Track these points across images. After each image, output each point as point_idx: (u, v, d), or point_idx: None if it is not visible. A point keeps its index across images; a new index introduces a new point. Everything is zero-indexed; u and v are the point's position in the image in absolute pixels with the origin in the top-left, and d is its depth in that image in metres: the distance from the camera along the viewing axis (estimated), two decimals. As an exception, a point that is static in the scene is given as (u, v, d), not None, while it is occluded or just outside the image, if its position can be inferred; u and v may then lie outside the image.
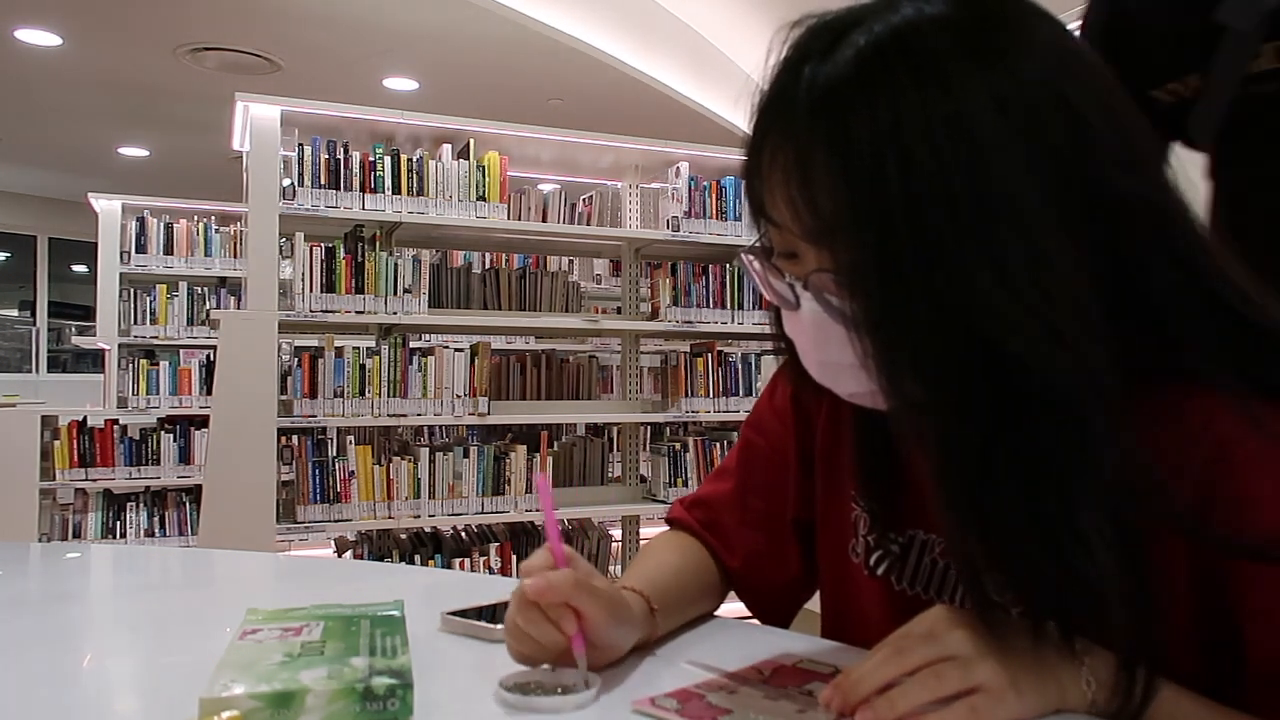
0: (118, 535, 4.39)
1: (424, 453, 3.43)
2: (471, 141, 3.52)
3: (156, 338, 5.10)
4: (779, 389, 0.89)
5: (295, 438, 3.35)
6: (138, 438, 4.32)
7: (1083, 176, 0.55)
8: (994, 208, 0.52)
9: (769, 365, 3.32)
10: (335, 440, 3.45)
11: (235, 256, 5.31)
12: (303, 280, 3.28)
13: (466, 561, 3.57)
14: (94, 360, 8.14)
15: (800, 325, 0.63)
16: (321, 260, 3.32)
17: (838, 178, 0.55)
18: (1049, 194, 0.54)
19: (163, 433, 4.36)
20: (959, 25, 0.56)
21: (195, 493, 4.32)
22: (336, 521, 3.32)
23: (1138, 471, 0.54)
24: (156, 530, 4.44)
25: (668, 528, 0.92)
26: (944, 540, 0.71)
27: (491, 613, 0.79)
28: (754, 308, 3.76)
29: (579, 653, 0.62)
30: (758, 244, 0.66)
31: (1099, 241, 0.55)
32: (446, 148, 3.57)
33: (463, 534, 3.73)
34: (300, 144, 3.34)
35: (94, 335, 5.25)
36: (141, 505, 4.43)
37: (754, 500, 0.86)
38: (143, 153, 7.60)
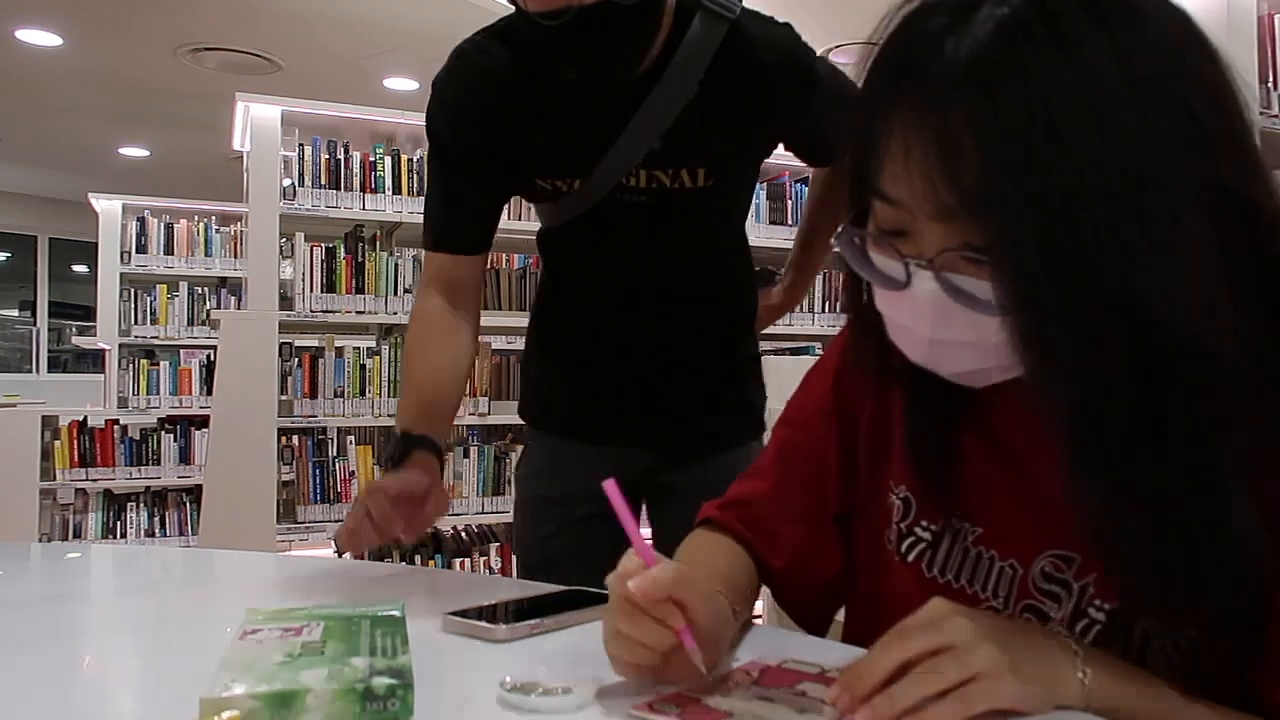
0: (118, 535, 4.38)
1: (424, 453, 3.42)
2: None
3: (157, 338, 5.10)
4: (814, 385, 0.88)
5: (296, 438, 3.36)
6: (138, 438, 4.32)
7: (1212, 148, 0.55)
8: (1142, 181, 0.52)
9: (770, 362, 3.31)
10: (336, 440, 3.45)
11: (236, 256, 5.31)
12: (303, 280, 3.28)
13: (467, 562, 3.57)
14: (94, 360, 8.14)
15: (911, 304, 0.61)
16: (322, 260, 3.32)
17: (988, 153, 0.54)
18: (1187, 168, 0.53)
19: (163, 433, 4.36)
20: None
21: (196, 493, 4.32)
22: (337, 521, 3.32)
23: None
24: (157, 530, 4.44)
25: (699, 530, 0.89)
26: (988, 528, 0.71)
27: (492, 613, 0.79)
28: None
29: (690, 646, 0.60)
30: (854, 220, 0.64)
31: (1223, 216, 0.55)
32: (447, 148, 3.57)
33: (463, 534, 3.73)
34: (300, 144, 3.34)
35: (94, 335, 5.25)
36: (142, 505, 4.43)
37: (795, 497, 0.84)
38: (143, 153, 7.61)
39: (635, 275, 1.31)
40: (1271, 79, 2.30)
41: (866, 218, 0.64)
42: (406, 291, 3.41)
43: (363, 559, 1.17)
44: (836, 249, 0.65)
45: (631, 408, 1.36)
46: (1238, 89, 0.58)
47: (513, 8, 1.09)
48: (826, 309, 3.94)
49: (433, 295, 1.27)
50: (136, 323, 5.07)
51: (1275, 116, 2.29)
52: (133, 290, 5.11)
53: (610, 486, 0.62)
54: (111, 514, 4.39)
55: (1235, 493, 0.54)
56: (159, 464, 4.34)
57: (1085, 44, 0.53)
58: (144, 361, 4.74)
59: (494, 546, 3.63)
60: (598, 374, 1.37)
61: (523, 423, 1.49)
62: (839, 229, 0.65)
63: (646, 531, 1.13)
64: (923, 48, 0.57)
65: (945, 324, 0.59)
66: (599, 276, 1.34)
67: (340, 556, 0.99)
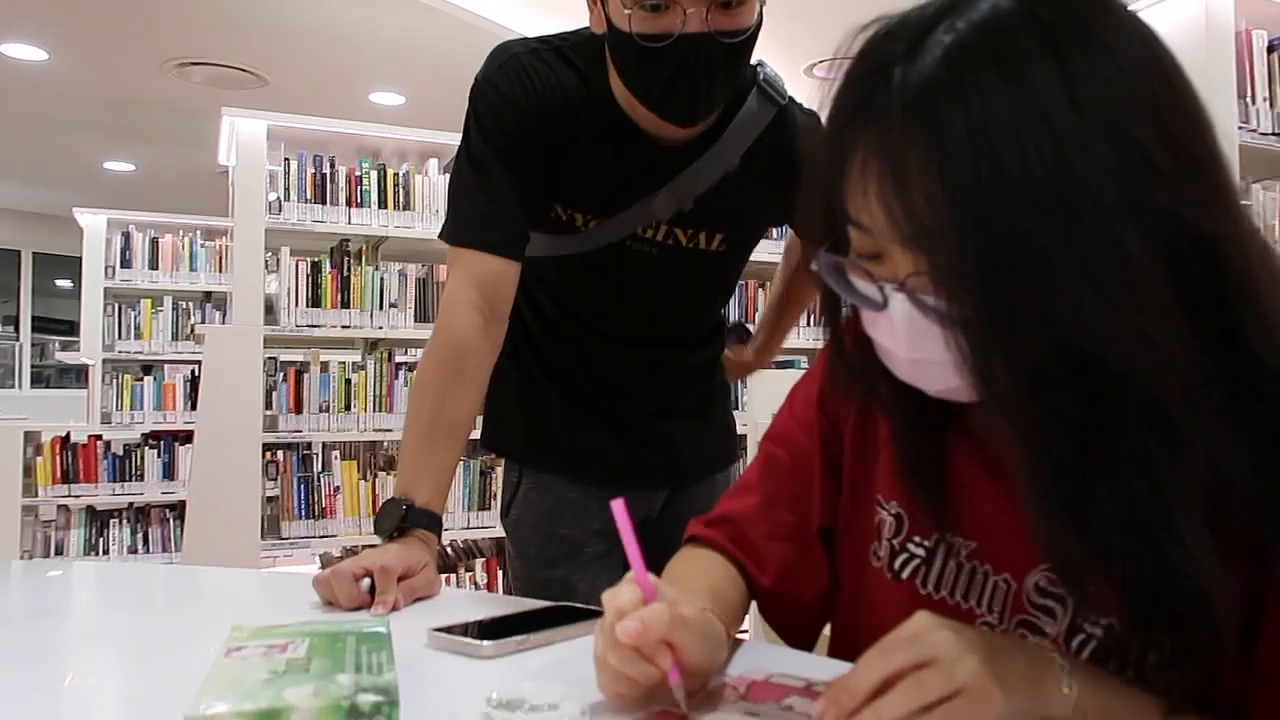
0: (100, 552, 4.34)
1: (410, 468, 3.41)
2: (458, 156, 3.52)
3: (141, 353, 5.07)
4: (799, 399, 0.88)
5: (280, 453, 3.34)
6: (121, 453, 4.29)
7: (1162, 179, 0.55)
8: (1078, 207, 0.53)
9: (756, 379, 3.32)
10: (320, 455, 3.43)
11: (221, 271, 5.29)
12: (288, 294, 3.27)
13: (452, 577, 3.55)
14: (78, 375, 8.09)
15: (889, 325, 0.62)
16: (307, 274, 3.31)
17: (934, 181, 0.55)
18: (1129, 195, 0.54)
19: (147, 448, 4.33)
20: (1042, 22, 0.56)
21: (179, 509, 4.29)
22: (321, 537, 3.31)
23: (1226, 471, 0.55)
24: (140, 547, 4.40)
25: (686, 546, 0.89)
26: (981, 542, 0.71)
27: (478, 629, 0.79)
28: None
29: (676, 684, 0.61)
30: (830, 247, 0.65)
31: (1176, 247, 0.55)
32: (433, 162, 3.58)
33: (448, 549, 3.71)
34: (287, 158, 3.34)
35: (78, 350, 5.21)
36: (125, 522, 4.39)
37: (781, 513, 0.85)
38: (129, 167, 7.58)
39: (627, 317, 1.32)
40: (1250, 93, 2.33)
41: (845, 243, 0.64)
42: (392, 306, 3.41)
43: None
44: (815, 269, 0.65)
45: (635, 447, 1.35)
46: (1202, 117, 0.58)
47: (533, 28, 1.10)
48: (812, 323, 3.96)
49: (468, 309, 1.14)
50: (120, 338, 5.04)
51: (1254, 131, 2.32)
52: (117, 305, 5.08)
53: (618, 506, 0.62)
54: (94, 531, 4.35)
55: (1187, 518, 0.54)
56: (142, 480, 4.31)
57: (1031, 70, 0.54)
58: (127, 376, 4.72)
59: (479, 562, 3.62)
60: (596, 413, 1.35)
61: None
62: (818, 256, 0.65)
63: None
64: (877, 76, 0.58)
65: (921, 343, 0.60)
66: (586, 314, 1.33)
67: (324, 568, 0.98)
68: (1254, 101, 2.33)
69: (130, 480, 4.30)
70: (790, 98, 1.23)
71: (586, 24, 1.17)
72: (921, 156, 0.55)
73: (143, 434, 4.40)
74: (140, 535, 4.41)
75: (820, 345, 0.77)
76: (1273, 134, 2.35)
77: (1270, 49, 2.38)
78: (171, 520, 4.43)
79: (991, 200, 0.53)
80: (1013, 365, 0.55)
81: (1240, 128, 2.30)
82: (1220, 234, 0.56)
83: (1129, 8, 0.59)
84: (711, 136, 1.18)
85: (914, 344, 0.61)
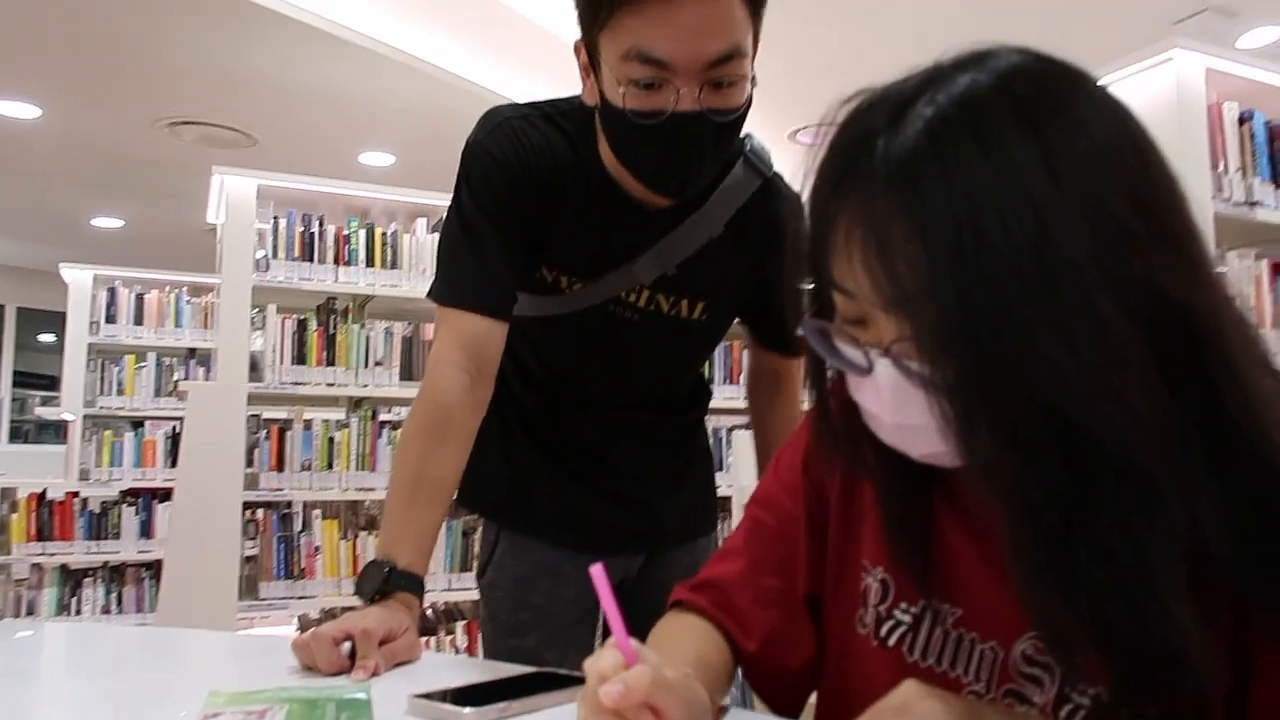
0: (73, 612, 4.26)
1: (392, 527, 3.37)
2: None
3: (122, 409, 5.04)
4: (784, 464, 0.88)
5: (260, 511, 3.30)
6: (98, 510, 4.23)
7: (1137, 248, 0.56)
8: (1057, 276, 0.54)
9: (741, 439, 3.33)
10: (301, 514, 3.40)
11: (206, 327, 5.29)
12: (274, 352, 3.27)
13: (433, 641, 3.49)
14: (57, 431, 7.99)
15: (875, 390, 0.63)
16: (293, 332, 3.31)
17: (918, 249, 0.56)
18: (1106, 263, 0.55)
19: (124, 506, 4.27)
20: (1018, 98, 0.57)
21: (155, 568, 4.22)
22: (300, 598, 3.25)
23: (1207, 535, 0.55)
24: (113, 607, 4.31)
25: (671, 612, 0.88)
26: (968, 609, 0.71)
27: (459, 695, 0.77)
28: (724, 381, 3.77)
29: None
30: (816, 312, 0.66)
31: (1153, 313, 0.56)
32: (421, 221, 3.61)
33: (429, 612, 3.66)
34: (275, 216, 3.37)
35: (59, 405, 5.17)
36: (99, 581, 4.31)
37: (767, 579, 0.84)
38: (117, 223, 7.60)
39: (607, 380, 1.33)
40: (1223, 164, 2.39)
41: (830, 308, 0.65)
42: (377, 364, 3.41)
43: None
44: (801, 333, 0.66)
45: (614, 510, 1.35)
46: (1175, 188, 0.60)
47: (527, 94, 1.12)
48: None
49: (454, 369, 1.14)
50: (102, 393, 5.00)
51: (1227, 200, 2.38)
52: (100, 360, 5.06)
53: (597, 572, 0.62)
54: (67, 590, 4.27)
55: (1170, 583, 0.55)
56: (119, 538, 4.25)
57: (1009, 144, 0.55)
58: (108, 433, 4.67)
59: (461, 625, 3.56)
60: (576, 474, 1.35)
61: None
62: (803, 321, 0.66)
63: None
64: (860, 146, 0.60)
65: (906, 408, 0.61)
66: (568, 374, 1.33)
67: (303, 632, 0.96)
68: (1227, 172, 2.39)
69: (106, 538, 4.23)
70: (776, 172, 1.25)
71: (574, 89, 1.20)
72: (904, 225, 0.56)
73: (121, 491, 4.35)
74: (114, 595, 4.33)
75: (805, 409, 0.77)
76: (1245, 203, 2.40)
77: (1241, 121, 2.45)
78: (147, 580, 4.35)
79: (973, 268, 0.54)
80: (996, 430, 0.56)
81: (1214, 197, 2.35)
82: (1195, 301, 0.57)
83: (1101, 83, 0.61)
84: (697, 202, 1.20)
85: (899, 409, 0.62)
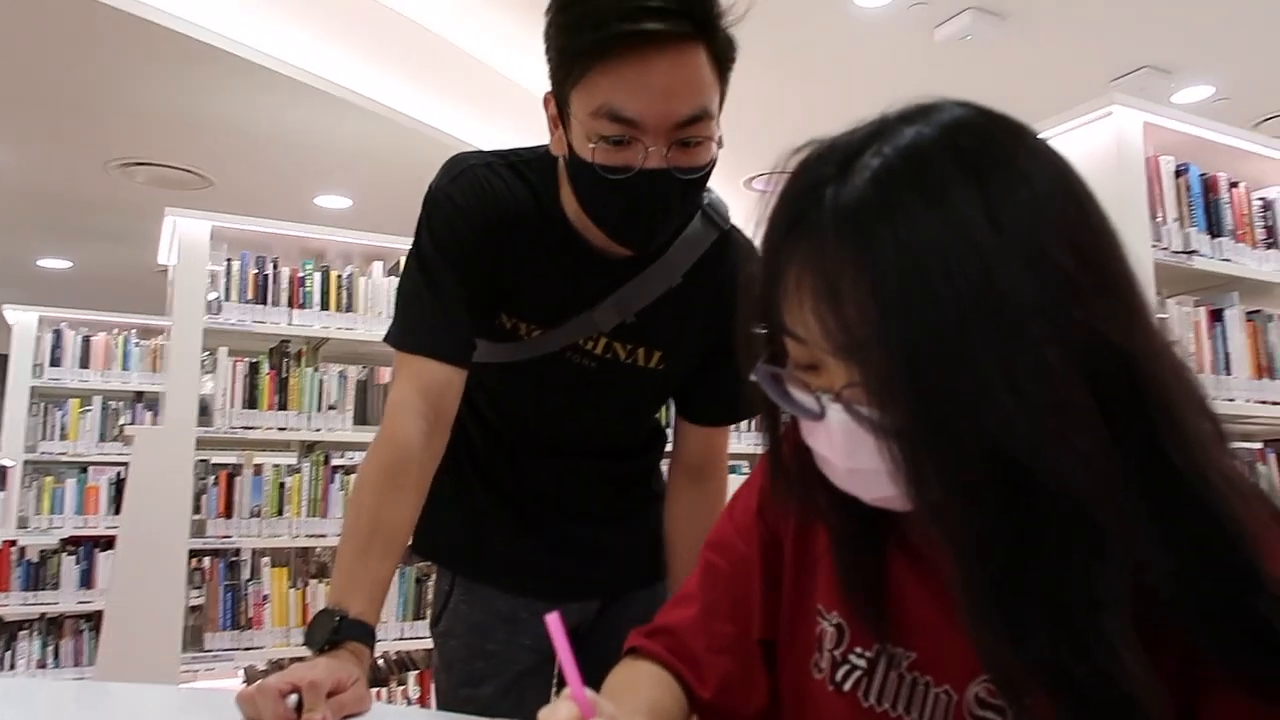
0: (6, 666, 4.09)
1: (344, 575, 3.30)
2: (403, 259, 3.53)
3: (65, 454, 4.90)
4: (739, 507, 0.88)
5: (207, 559, 3.22)
6: (37, 560, 4.09)
7: (1078, 295, 0.57)
8: (1001, 323, 0.55)
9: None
10: (250, 562, 3.32)
11: (155, 370, 5.19)
12: (224, 395, 3.21)
13: (384, 692, 3.41)
14: (-5, 477, 7.74)
15: (827, 435, 0.63)
16: (245, 375, 3.26)
17: (866, 296, 0.57)
18: (1048, 310, 0.56)
19: (64, 555, 4.14)
20: (961, 149, 0.59)
21: (95, 619, 4.08)
22: (247, 649, 3.16)
23: (1154, 575, 0.56)
24: (49, 661, 4.16)
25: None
26: (921, 653, 0.71)
27: (409, 746, 0.76)
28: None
29: None
30: (769, 358, 0.67)
31: (1094, 359, 0.57)
32: (378, 265, 3.59)
33: (380, 662, 3.57)
34: (229, 258, 3.33)
35: (-2, 451, 5.01)
36: (35, 634, 4.16)
37: (721, 624, 0.84)
38: (65, 264, 7.46)
39: (564, 427, 1.32)
40: (1161, 215, 2.47)
41: (784, 355, 0.66)
42: (331, 408, 3.36)
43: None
44: (755, 379, 0.67)
45: (569, 557, 1.34)
46: (1113, 237, 0.62)
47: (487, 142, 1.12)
48: (752, 428, 3.98)
49: (412, 415, 1.13)
50: (44, 438, 4.86)
51: (1165, 249, 2.45)
52: (43, 404, 4.92)
53: (553, 620, 0.61)
54: (1, 643, 4.11)
55: (1116, 625, 0.56)
56: (58, 588, 4.11)
57: (953, 194, 0.57)
58: (48, 479, 4.54)
59: (413, 675, 3.48)
60: (531, 521, 1.34)
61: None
62: (756, 367, 0.67)
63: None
64: (809, 196, 0.61)
65: (857, 453, 0.62)
66: (524, 421, 1.33)
67: (249, 685, 0.93)
68: (1165, 222, 2.46)
69: (44, 588, 4.09)
70: (733, 225, 1.27)
71: (533, 137, 1.20)
72: (853, 272, 0.57)
73: (61, 539, 4.22)
74: (51, 648, 4.18)
75: (761, 450, 0.77)
76: (1183, 251, 2.48)
77: (1177, 173, 2.53)
78: (86, 631, 4.21)
79: (919, 315, 0.55)
80: (944, 474, 0.57)
81: (1154, 246, 2.42)
82: (1134, 347, 0.59)
83: (1041, 136, 0.63)
84: (657, 252, 1.21)
85: (851, 453, 0.62)
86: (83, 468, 4.74)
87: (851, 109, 0.65)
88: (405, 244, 1.22)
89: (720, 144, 1.09)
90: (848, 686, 0.75)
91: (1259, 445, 2.65)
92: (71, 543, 4.19)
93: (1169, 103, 4.37)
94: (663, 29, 0.98)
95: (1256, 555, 0.57)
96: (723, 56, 1.05)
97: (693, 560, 1.26)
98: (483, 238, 1.17)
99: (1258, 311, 2.62)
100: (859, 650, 0.75)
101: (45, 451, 4.86)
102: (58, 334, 5.06)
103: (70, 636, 4.21)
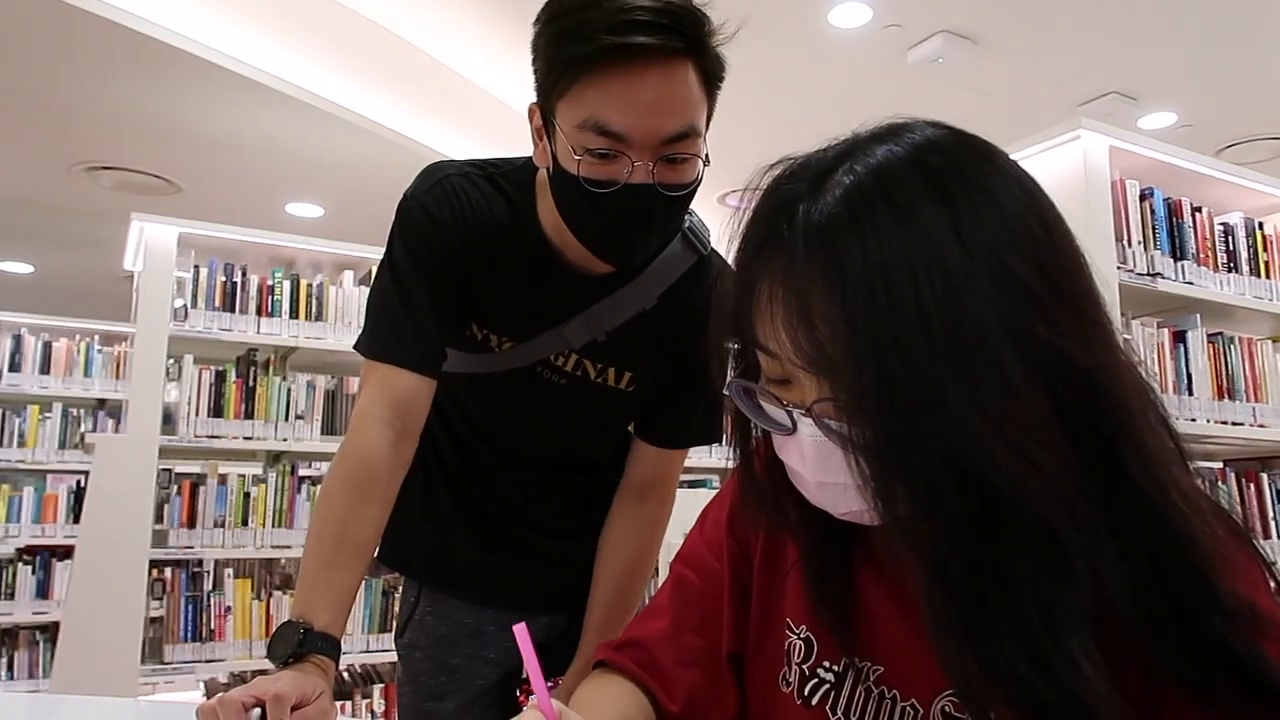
0: (-43, 679, 4.00)
1: (308, 587, 3.27)
2: (374, 269, 3.51)
3: (23, 461, 4.81)
4: (709, 521, 0.88)
5: (169, 570, 3.16)
6: (-9, 570, 4.01)
7: (1042, 312, 0.58)
8: (966, 338, 0.56)
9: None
10: (212, 573, 3.26)
11: (118, 378, 5.11)
12: (189, 404, 3.17)
13: (349, 705, 3.36)
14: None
15: (799, 449, 0.64)
16: (211, 383, 3.22)
17: (835, 311, 0.58)
18: (1013, 327, 0.57)
19: (20, 564, 4.05)
20: (930, 169, 0.60)
21: (52, 631, 4.00)
22: (208, 661, 3.11)
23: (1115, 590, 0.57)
24: (3, 673, 4.07)
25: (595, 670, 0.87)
26: (888, 667, 0.71)
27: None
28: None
29: None
30: (742, 373, 0.67)
31: (1057, 377, 0.58)
32: (349, 274, 3.57)
33: (345, 675, 3.53)
34: (196, 265, 3.29)
35: (-48, 458, 4.91)
36: (-11, 645, 4.07)
37: (690, 638, 0.84)
38: (26, 269, 7.33)
39: (532, 441, 1.32)
40: (1126, 237, 2.51)
41: (756, 370, 0.66)
42: (299, 418, 3.33)
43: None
44: (727, 394, 0.67)
45: (538, 570, 1.33)
46: (1078, 257, 0.63)
47: (474, 153, 1.10)
48: (724, 442, 3.99)
49: (380, 425, 1.11)
50: (2, 445, 4.77)
51: (1131, 270, 2.49)
52: (2, 411, 4.83)
53: (521, 630, 0.61)
54: (-48, 655, 4.02)
55: (1077, 640, 0.56)
56: (13, 599, 4.02)
57: (921, 212, 0.58)
58: (5, 486, 4.45)
59: (378, 688, 3.44)
60: (499, 533, 1.32)
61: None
62: (728, 381, 0.67)
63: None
64: (782, 213, 0.62)
65: (827, 467, 0.62)
66: (493, 433, 1.32)
67: (210, 698, 0.91)
68: (1130, 244, 2.51)
69: (-1, 599, 4.01)
70: (713, 249, 1.27)
71: (508, 149, 1.20)
72: (823, 288, 0.58)
73: (17, 549, 4.13)
74: (5, 660, 4.09)
75: (732, 465, 0.78)
76: (1148, 274, 2.52)
77: (1142, 197, 2.58)
78: (42, 643, 4.12)
79: (887, 330, 0.56)
80: (910, 488, 0.57)
81: (1119, 268, 2.46)
82: (1097, 365, 0.60)
83: (1010, 157, 0.64)
84: (632, 272, 1.21)
85: (821, 467, 0.63)
86: (41, 476, 4.65)
87: (824, 128, 0.66)
88: (377, 254, 1.21)
89: (707, 162, 1.09)
90: (816, 700, 0.75)
91: (1219, 464, 2.70)
92: (28, 552, 4.11)
93: (1134, 128, 4.46)
94: (653, 43, 0.98)
95: (1213, 572, 0.58)
96: (711, 74, 1.05)
97: (612, 586, 1.25)
98: (455, 249, 1.16)
99: (1219, 334, 2.67)
100: (827, 664, 0.75)
101: (3, 459, 4.77)
102: (17, 339, 4.97)
103: (26, 648, 4.12)
